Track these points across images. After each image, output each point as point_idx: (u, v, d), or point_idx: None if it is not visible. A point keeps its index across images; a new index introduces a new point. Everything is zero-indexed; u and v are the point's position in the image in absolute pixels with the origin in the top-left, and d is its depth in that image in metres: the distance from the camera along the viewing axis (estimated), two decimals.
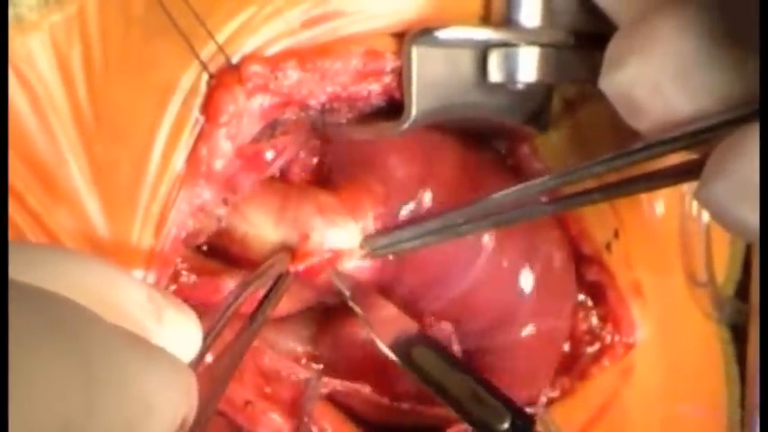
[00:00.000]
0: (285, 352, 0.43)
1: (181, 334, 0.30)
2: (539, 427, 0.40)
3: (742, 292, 0.48)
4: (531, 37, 0.38)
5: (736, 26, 0.32)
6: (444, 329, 0.42)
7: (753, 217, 0.31)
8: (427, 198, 0.41)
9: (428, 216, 0.41)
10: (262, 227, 0.40)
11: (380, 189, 0.41)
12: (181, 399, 0.27)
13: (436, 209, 0.41)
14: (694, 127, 0.33)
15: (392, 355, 0.39)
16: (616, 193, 0.38)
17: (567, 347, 0.46)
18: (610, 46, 0.35)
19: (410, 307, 0.42)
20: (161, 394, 0.25)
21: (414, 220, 0.41)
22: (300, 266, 0.40)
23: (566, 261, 0.45)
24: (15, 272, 0.24)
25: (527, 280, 0.43)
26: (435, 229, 0.40)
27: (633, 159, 0.35)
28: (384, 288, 0.42)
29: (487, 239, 0.42)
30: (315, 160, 0.42)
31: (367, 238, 0.41)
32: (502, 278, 0.42)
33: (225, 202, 0.39)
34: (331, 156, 0.42)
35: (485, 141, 0.44)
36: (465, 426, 0.41)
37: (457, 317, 0.42)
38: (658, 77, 0.33)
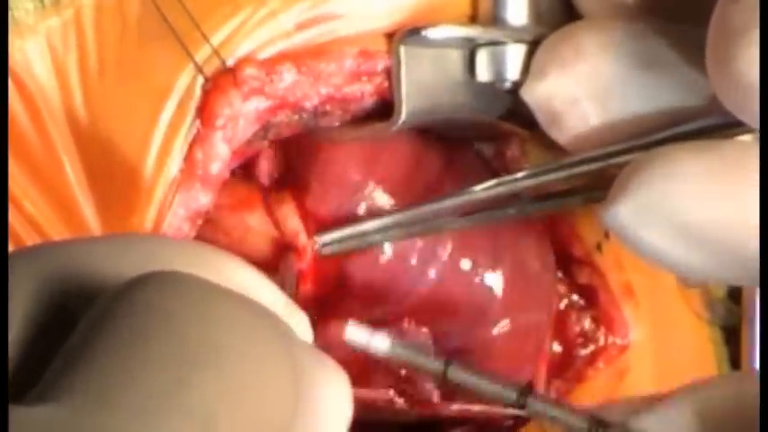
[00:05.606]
0: None
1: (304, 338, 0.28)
2: None
3: (734, 293, 0.49)
4: (518, 35, 0.38)
5: (657, 53, 0.33)
6: (422, 333, 0.42)
7: (656, 240, 0.31)
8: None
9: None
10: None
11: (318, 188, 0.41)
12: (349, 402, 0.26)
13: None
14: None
15: None
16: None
17: (560, 349, 0.47)
18: (535, 55, 0.36)
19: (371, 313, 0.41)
20: (343, 399, 0.25)
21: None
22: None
23: (542, 256, 0.44)
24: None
25: (494, 279, 0.42)
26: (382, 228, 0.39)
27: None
28: (330, 297, 0.41)
29: (442, 246, 0.41)
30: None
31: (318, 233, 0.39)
32: (464, 279, 0.42)
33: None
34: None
35: (470, 143, 0.45)
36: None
37: (431, 317, 0.42)
38: (577, 93, 0.34)
